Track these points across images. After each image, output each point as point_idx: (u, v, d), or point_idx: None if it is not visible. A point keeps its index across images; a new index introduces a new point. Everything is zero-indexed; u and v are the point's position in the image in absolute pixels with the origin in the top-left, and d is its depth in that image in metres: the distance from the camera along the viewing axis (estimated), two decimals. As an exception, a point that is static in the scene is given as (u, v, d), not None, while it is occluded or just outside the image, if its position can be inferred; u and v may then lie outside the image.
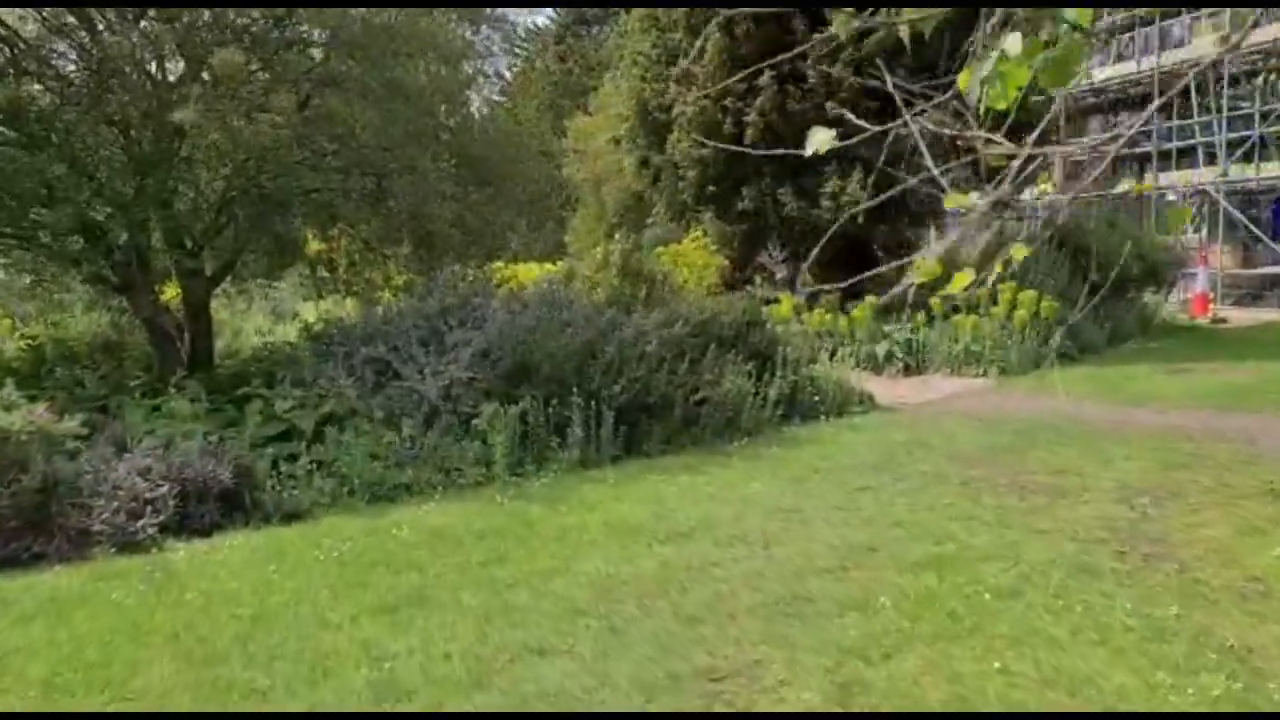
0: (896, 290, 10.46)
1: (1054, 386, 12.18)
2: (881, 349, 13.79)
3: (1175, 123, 23.93)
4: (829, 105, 14.47)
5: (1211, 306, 19.18)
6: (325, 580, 5.90)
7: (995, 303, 13.70)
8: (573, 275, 11.12)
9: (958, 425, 9.99)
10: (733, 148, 13.93)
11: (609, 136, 21.77)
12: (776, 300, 14.93)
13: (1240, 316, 19.47)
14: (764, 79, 14.75)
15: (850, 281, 3.20)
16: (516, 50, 47.88)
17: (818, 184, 14.69)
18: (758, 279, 17.30)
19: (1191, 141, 23.50)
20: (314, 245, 13.49)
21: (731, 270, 16.11)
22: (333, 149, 10.83)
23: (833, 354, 12.01)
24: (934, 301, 14.00)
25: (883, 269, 9.90)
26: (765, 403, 10.04)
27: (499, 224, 12.40)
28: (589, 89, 38.57)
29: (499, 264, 16.15)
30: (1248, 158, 21.82)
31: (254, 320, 18.44)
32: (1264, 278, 22.14)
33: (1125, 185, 23.72)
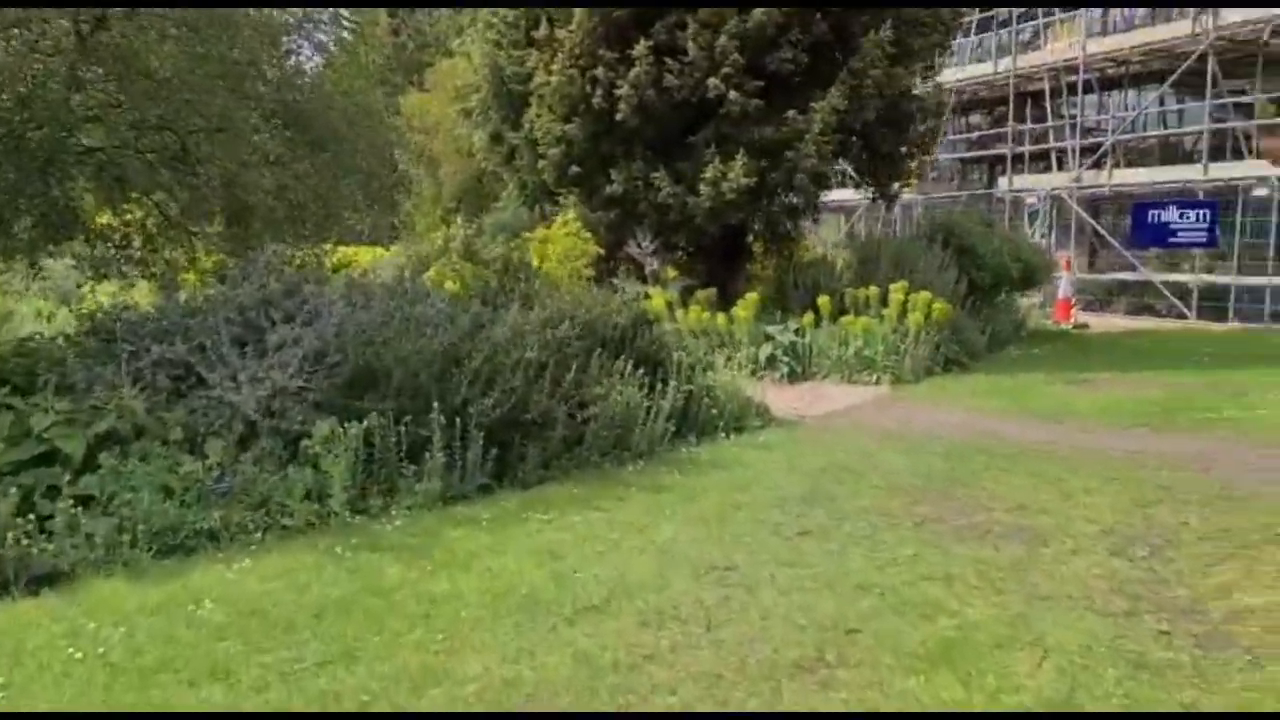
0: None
1: (953, 396, 11.16)
2: (764, 352, 12.50)
3: (1030, 126, 23.87)
4: (711, 82, 13.08)
5: (1073, 312, 18.96)
6: (83, 701, 3.97)
7: (886, 304, 12.63)
8: (427, 262, 9.29)
9: (875, 445, 8.73)
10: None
11: (459, 108, 19.76)
12: (647, 295, 13.42)
13: (1096, 322, 19.33)
14: (639, 49, 13.19)
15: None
16: (344, 22, 44.69)
17: (697, 169, 13.27)
18: (622, 271, 15.77)
19: (1045, 146, 23.49)
20: (104, 216, 11.09)
21: (596, 261, 14.51)
22: (120, 98, 8.63)
23: (727, 359, 10.60)
24: (822, 301, 12.82)
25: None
26: (657, 417, 8.51)
27: (335, 198, 10.37)
28: (424, 65, 36.14)
29: (329, 246, 14.06)
30: (1098, 164, 21.86)
31: (32, 303, 15.54)
32: (1112, 283, 22.27)
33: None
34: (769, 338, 12.76)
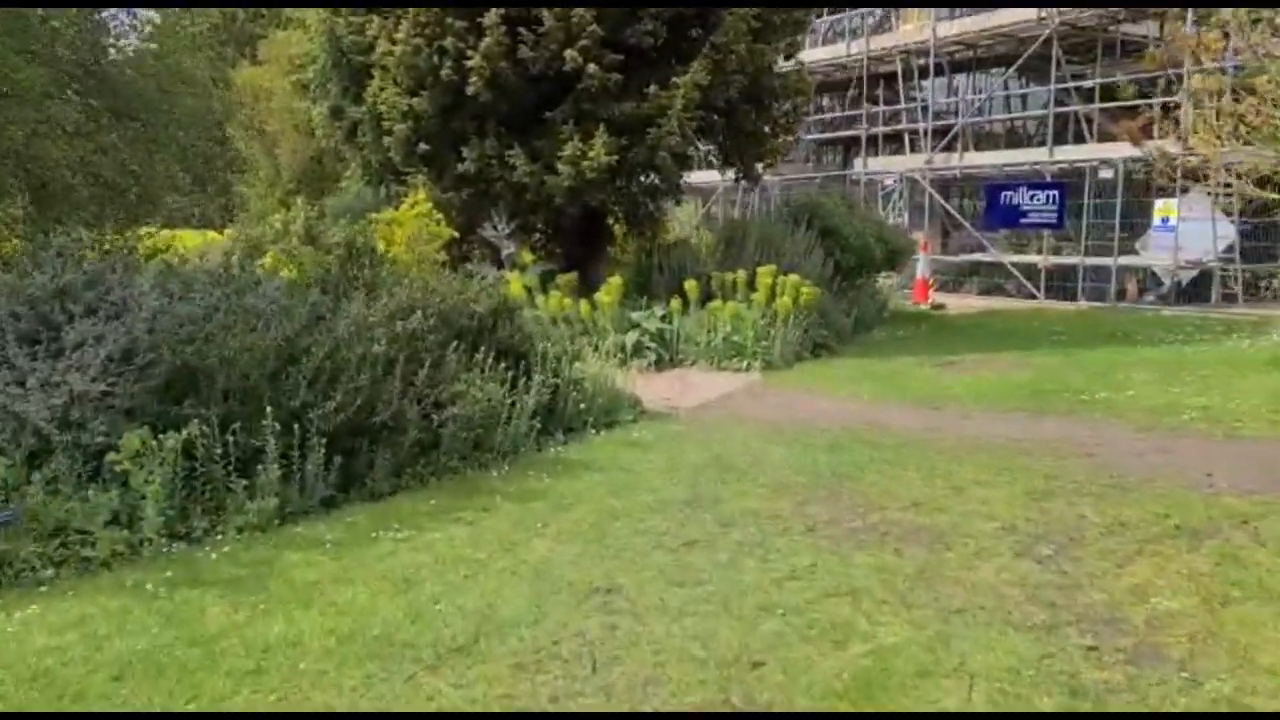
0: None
1: (826, 383, 10.82)
2: (630, 339, 11.91)
3: (883, 108, 24.05)
4: (568, 54, 12.34)
5: (930, 293, 19.11)
6: None
7: (754, 288, 12.22)
8: (258, 246, 8.28)
9: (755, 438, 8.24)
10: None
11: (293, 79, 18.39)
12: (505, 281, 12.63)
13: (952, 302, 19.55)
14: (490, 17, 12.32)
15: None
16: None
17: (555, 146, 12.52)
18: (476, 255, 14.91)
19: (897, 128, 23.70)
20: None
21: (448, 245, 13.58)
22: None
23: (594, 347, 9.94)
24: (689, 286, 12.31)
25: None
26: (521, 414, 7.80)
27: (151, 175, 9.19)
28: (257, 36, 34.00)
29: (150, 229, 12.71)
30: (950, 147, 22.16)
31: None
32: (964, 264, 22.65)
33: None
34: (634, 324, 12.18)
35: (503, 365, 7.82)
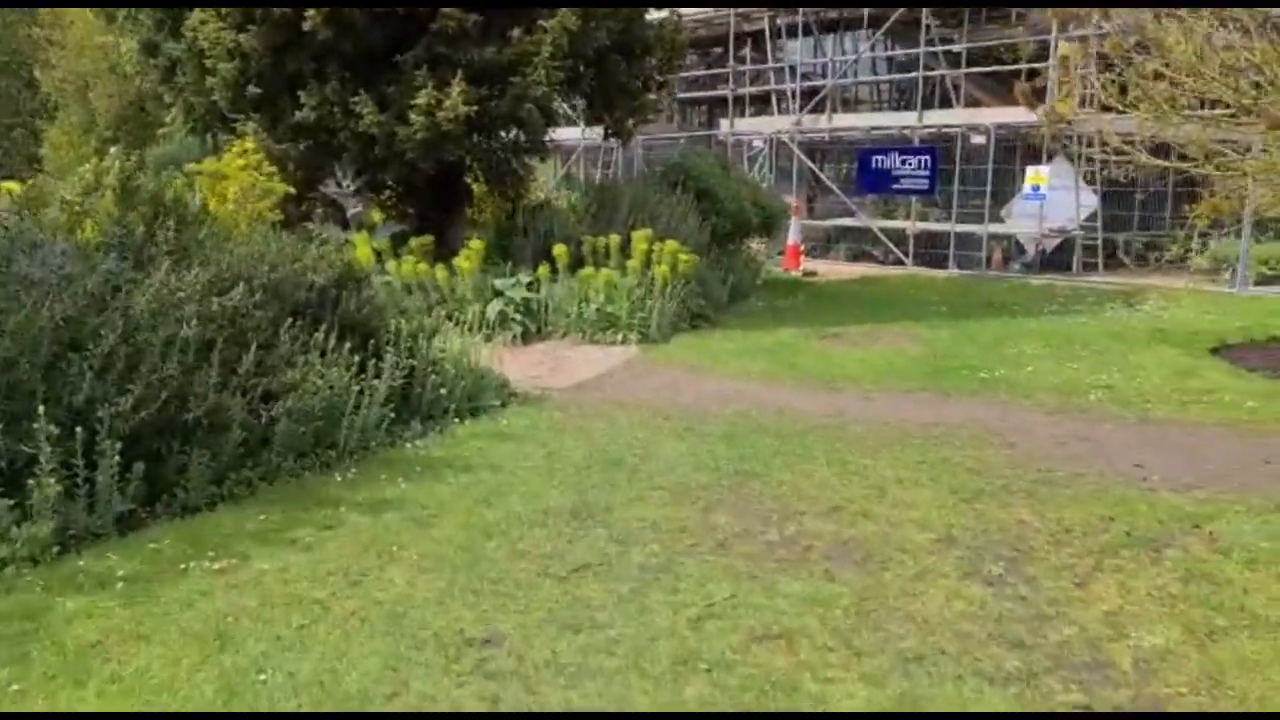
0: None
1: (712, 359, 9.96)
2: (493, 309, 10.77)
3: (749, 68, 23.30)
4: (421, -10, 10.99)
5: (802, 259, 18.52)
6: None
7: (627, 254, 11.25)
8: (43, 199, 6.78)
9: (642, 427, 7.29)
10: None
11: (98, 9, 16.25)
12: (349, 243, 11.25)
13: (821, 268, 19.03)
14: (330, -59, 10.85)
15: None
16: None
17: (408, 94, 11.17)
18: (318, 214, 13.39)
19: (764, 88, 23.00)
20: None
21: (285, 202, 12.05)
22: None
23: (455, 320, 8.73)
24: (559, 251, 11.23)
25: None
26: (371, 403, 6.63)
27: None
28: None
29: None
30: (818, 109, 21.61)
31: None
32: (831, 229, 22.22)
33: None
34: (498, 293, 11.04)
35: (348, 345, 6.61)
